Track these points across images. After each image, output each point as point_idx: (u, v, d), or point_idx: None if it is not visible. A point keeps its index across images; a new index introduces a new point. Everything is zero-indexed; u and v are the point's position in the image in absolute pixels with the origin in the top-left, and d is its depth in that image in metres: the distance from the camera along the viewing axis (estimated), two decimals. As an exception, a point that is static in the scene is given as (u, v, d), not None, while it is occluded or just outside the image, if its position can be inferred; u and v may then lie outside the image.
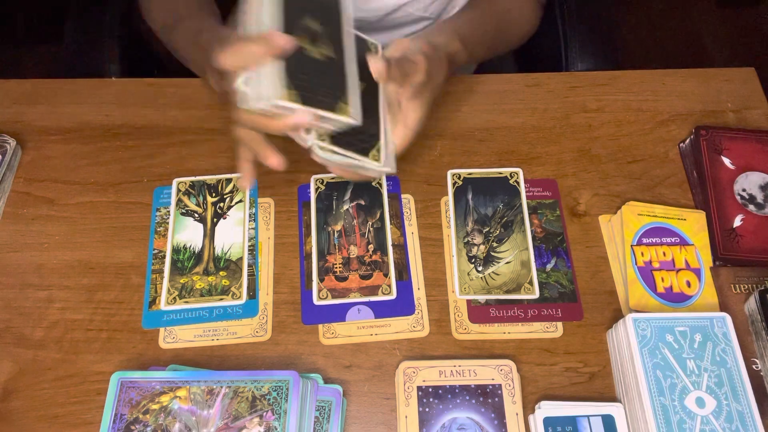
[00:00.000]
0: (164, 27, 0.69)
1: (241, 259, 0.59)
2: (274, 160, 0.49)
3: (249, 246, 0.60)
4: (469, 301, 0.58)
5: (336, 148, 0.49)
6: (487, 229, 0.61)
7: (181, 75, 0.71)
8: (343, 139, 0.50)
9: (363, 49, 0.54)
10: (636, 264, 0.59)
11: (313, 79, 0.47)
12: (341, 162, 0.51)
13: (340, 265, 0.59)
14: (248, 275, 0.59)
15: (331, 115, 0.46)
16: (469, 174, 0.64)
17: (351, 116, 0.48)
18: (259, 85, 0.45)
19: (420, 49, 0.52)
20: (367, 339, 0.57)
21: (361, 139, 0.51)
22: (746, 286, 0.57)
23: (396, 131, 0.54)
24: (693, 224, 0.61)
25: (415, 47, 0.53)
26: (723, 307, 0.57)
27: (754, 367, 0.53)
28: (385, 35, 0.77)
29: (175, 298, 0.57)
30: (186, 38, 0.64)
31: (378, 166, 0.51)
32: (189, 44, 0.63)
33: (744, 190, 0.63)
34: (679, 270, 0.59)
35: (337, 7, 0.51)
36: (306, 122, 0.46)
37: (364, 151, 0.51)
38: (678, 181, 0.65)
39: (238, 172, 0.52)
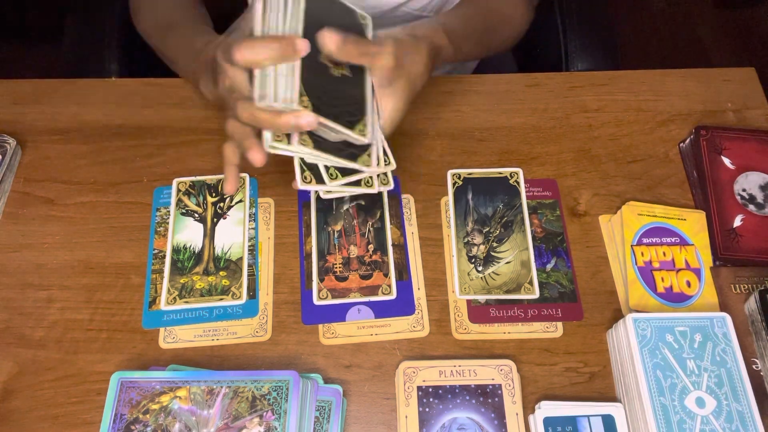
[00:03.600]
0: (156, 29, 0.69)
1: (241, 259, 0.59)
2: (257, 155, 0.48)
3: (249, 246, 0.60)
4: (469, 301, 0.58)
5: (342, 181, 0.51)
6: (487, 229, 0.61)
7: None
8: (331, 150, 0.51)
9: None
10: (636, 264, 0.59)
11: (329, 91, 0.47)
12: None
13: (340, 265, 0.59)
14: (248, 275, 0.59)
15: (344, 129, 0.47)
16: (469, 174, 0.64)
17: (366, 135, 0.48)
18: (275, 85, 0.45)
19: (391, 35, 0.52)
20: (367, 339, 0.56)
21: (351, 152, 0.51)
22: (746, 286, 0.57)
23: None
24: (693, 224, 0.61)
25: (386, 33, 0.52)
26: (723, 307, 0.57)
27: (754, 367, 0.53)
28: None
29: (175, 298, 0.57)
30: (179, 43, 0.64)
31: (371, 170, 0.52)
32: (182, 49, 0.63)
33: (744, 190, 0.63)
34: (679, 270, 0.59)
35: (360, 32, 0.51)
36: (312, 126, 0.45)
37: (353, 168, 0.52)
38: (678, 181, 0.65)
39: (225, 175, 0.52)
